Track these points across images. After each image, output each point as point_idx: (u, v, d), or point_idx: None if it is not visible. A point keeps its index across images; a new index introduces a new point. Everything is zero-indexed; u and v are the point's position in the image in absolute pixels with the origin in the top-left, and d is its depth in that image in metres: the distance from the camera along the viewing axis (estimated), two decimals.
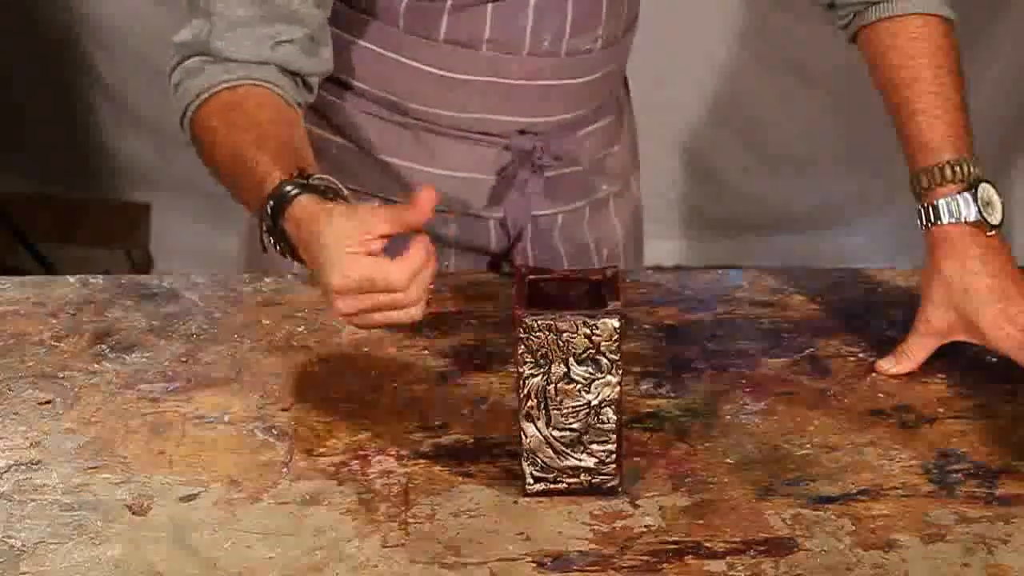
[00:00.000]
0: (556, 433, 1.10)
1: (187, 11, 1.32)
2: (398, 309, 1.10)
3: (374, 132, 1.49)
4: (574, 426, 1.10)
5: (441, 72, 1.43)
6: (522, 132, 1.48)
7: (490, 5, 1.39)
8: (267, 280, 1.46)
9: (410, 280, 1.07)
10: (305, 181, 1.15)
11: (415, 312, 1.10)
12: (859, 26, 1.39)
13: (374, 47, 1.43)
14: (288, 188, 1.15)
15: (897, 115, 1.34)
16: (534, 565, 1.05)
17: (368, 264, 1.08)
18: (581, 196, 1.58)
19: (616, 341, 1.07)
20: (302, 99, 1.34)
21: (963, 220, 1.28)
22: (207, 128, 1.29)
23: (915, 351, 1.30)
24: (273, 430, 1.22)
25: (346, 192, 1.17)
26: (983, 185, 1.28)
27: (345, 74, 1.45)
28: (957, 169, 1.28)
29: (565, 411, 1.09)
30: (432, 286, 1.11)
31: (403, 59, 1.43)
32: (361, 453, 1.18)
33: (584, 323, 1.06)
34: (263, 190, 1.17)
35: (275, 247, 1.17)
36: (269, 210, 1.15)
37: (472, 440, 1.20)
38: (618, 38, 1.49)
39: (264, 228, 1.17)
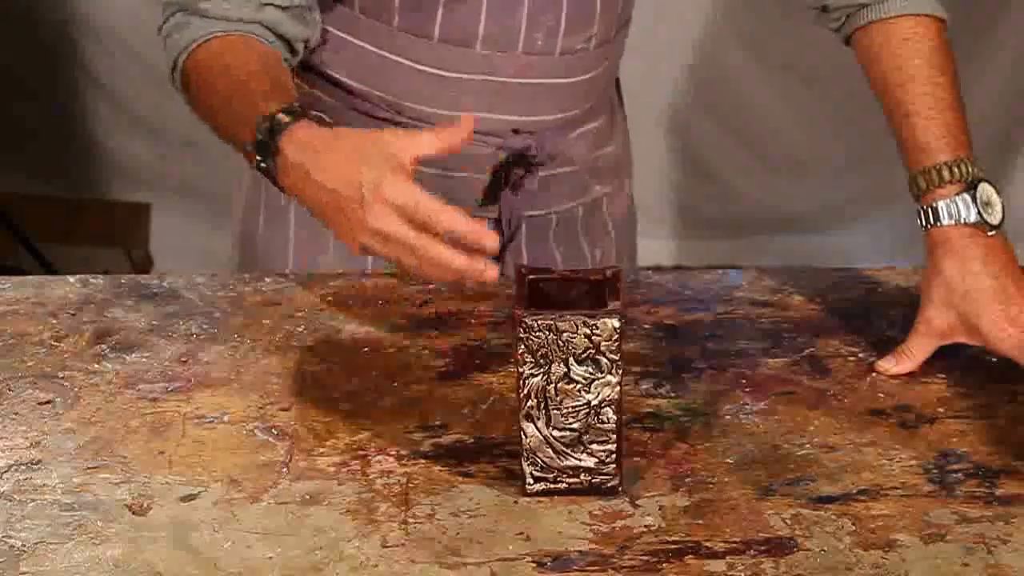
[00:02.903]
0: (556, 433, 1.10)
1: None
2: (416, 255, 1.09)
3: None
4: (574, 426, 1.10)
5: (435, 71, 1.43)
6: (516, 131, 1.48)
7: (485, 1, 1.39)
8: (267, 280, 1.46)
9: (448, 222, 1.07)
10: (303, 112, 1.18)
11: (436, 269, 1.10)
12: (852, 28, 1.39)
13: (368, 45, 1.43)
14: (292, 109, 1.18)
15: (892, 117, 1.34)
16: (534, 565, 1.05)
17: (418, 190, 1.09)
18: (575, 196, 1.58)
19: (616, 341, 1.07)
20: (288, 56, 1.37)
21: (963, 221, 1.28)
22: (197, 71, 1.31)
23: (915, 351, 1.30)
24: (273, 430, 1.22)
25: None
26: (983, 185, 1.28)
27: (338, 72, 1.46)
28: (955, 170, 1.28)
29: (565, 411, 1.09)
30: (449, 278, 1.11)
31: (397, 57, 1.43)
32: (361, 453, 1.18)
33: (584, 323, 1.06)
34: (259, 112, 1.19)
35: (261, 163, 1.18)
36: (268, 125, 1.17)
37: (472, 440, 1.20)
38: (611, 37, 1.49)
39: (255, 144, 1.18)
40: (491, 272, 1.10)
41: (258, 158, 1.19)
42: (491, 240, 1.09)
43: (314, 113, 1.20)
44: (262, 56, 1.32)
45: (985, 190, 1.28)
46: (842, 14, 1.39)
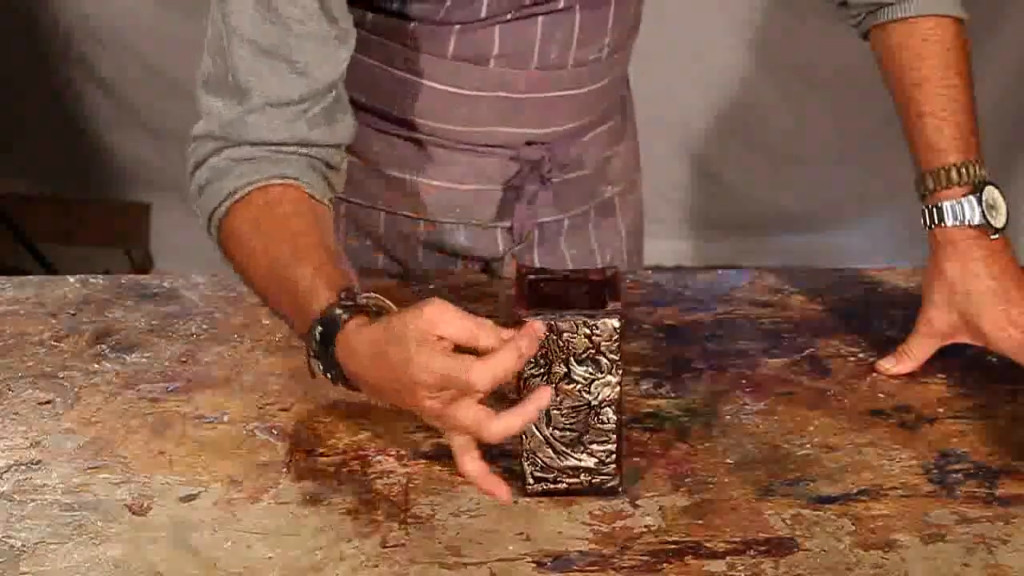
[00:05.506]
0: (556, 433, 1.10)
1: (210, 91, 1.27)
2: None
3: (381, 146, 1.48)
4: (574, 426, 1.10)
5: (449, 88, 1.42)
6: (529, 143, 1.48)
7: (498, 25, 1.39)
8: None
9: (492, 382, 1.00)
10: (353, 303, 1.10)
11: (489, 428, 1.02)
12: (871, 25, 1.39)
13: (382, 64, 1.42)
14: (338, 312, 1.09)
15: (905, 115, 1.34)
16: (534, 565, 1.05)
17: (446, 360, 1.00)
18: (587, 200, 1.58)
19: (616, 341, 1.07)
20: (330, 190, 1.29)
21: (967, 223, 1.28)
22: (239, 236, 1.24)
23: (916, 352, 1.30)
24: (273, 430, 1.22)
25: (395, 309, 1.09)
26: (988, 188, 1.28)
27: (352, 90, 1.45)
28: (963, 171, 1.28)
29: (565, 411, 1.09)
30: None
31: (410, 76, 1.42)
32: (361, 453, 1.18)
33: (584, 323, 1.06)
34: (309, 311, 1.11)
35: (324, 373, 1.11)
36: (318, 336, 1.09)
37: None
38: (623, 44, 1.49)
39: (312, 353, 1.11)
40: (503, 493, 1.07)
41: (316, 361, 1.11)
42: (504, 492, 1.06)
43: (364, 297, 1.11)
44: (307, 215, 1.23)
45: (991, 193, 1.28)
46: (862, 11, 1.39)
